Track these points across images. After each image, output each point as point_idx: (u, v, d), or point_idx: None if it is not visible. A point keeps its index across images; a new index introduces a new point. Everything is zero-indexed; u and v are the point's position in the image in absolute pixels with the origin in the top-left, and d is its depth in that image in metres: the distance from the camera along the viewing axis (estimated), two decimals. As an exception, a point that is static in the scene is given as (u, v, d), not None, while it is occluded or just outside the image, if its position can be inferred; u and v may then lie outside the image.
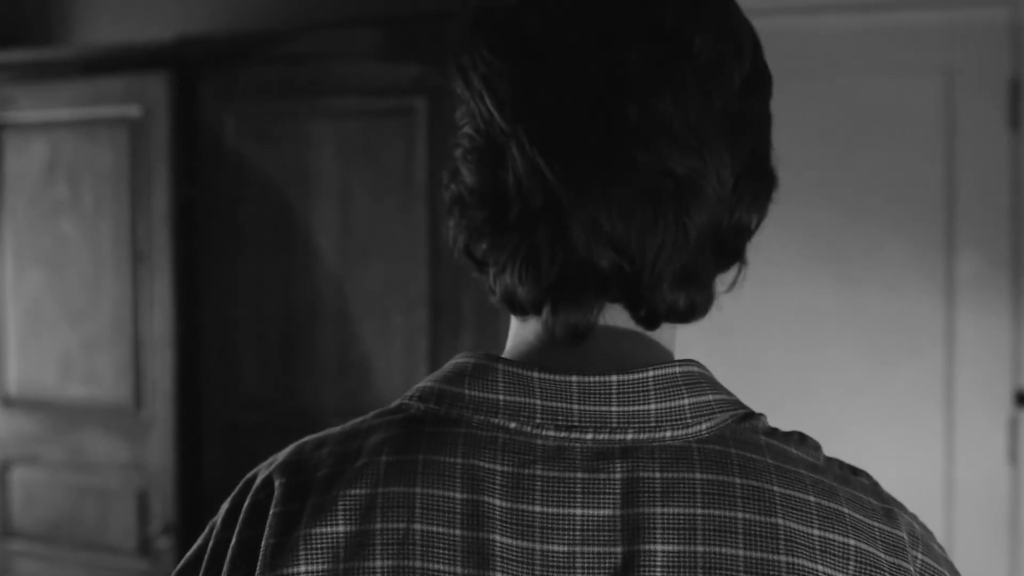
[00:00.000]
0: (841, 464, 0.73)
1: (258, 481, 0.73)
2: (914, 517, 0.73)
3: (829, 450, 0.73)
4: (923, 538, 0.71)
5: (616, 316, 0.73)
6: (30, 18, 3.16)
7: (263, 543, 0.69)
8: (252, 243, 2.43)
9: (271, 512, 0.70)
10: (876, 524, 0.69)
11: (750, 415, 0.72)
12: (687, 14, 0.71)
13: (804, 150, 2.74)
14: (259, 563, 0.69)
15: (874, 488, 0.72)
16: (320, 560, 0.68)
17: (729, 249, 0.74)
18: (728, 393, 0.74)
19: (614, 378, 0.70)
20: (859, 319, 2.73)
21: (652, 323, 0.73)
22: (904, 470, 2.63)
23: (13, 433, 2.71)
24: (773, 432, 0.72)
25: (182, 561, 0.75)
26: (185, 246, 2.47)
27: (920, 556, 0.69)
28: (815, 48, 2.73)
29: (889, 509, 0.70)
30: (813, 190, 2.74)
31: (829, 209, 2.74)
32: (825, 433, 2.67)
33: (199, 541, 0.75)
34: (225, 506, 0.74)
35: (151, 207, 2.46)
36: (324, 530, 0.68)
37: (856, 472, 0.73)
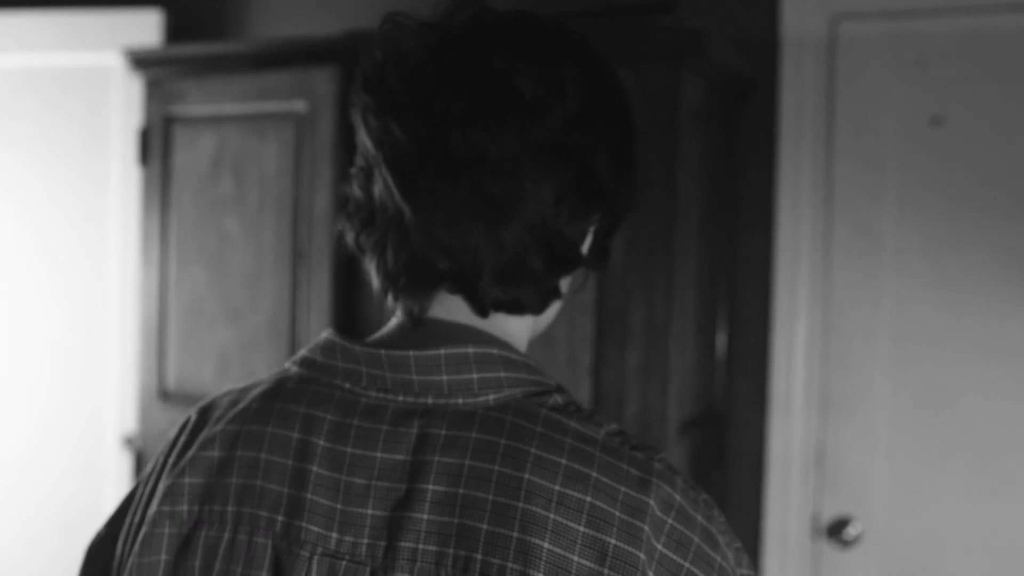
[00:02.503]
0: (623, 441, 0.85)
1: (184, 418, 0.97)
2: (686, 493, 0.84)
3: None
4: (681, 507, 0.83)
5: (457, 308, 0.91)
6: (206, 14, 3.17)
7: (168, 461, 0.94)
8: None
9: (180, 439, 0.95)
10: (622, 488, 0.81)
11: (544, 393, 0.87)
12: (515, 60, 0.86)
13: (1005, 160, 2.50)
14: (163, 476, 0.93)
15: (643, 463, 0.84)
16: (198, 475, 0.91)
17: (560, 256, 0.88)
18: (532, 374, 0.89)
19: (411, 353, 0.87)
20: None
21: (483, 312, 0.90)
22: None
23: (169, 427, 2.69)
24: (561, 408, 0.86)
25: (139, 477, 0.99)
26: (346, 246, 2.40)
27: (670, 521, 0.81)
28: (1026, 52, 2.49)
29: (645, 480, 0.82)
30: (1016, 205, 2.50)
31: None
32: (1016, 481, 2.36)
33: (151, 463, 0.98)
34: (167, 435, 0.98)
35: (313, 205, 2.40)
36: (205, 454, 0.92)
37: (636, 448, 0.85)
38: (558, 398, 0.88)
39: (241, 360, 2.52)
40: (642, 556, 0.80)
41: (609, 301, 2.16)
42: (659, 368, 2.12)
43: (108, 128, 3.10)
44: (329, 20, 2.97)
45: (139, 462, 2.82)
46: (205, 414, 0.96)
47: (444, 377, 0.86)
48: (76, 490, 3.15)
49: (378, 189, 0.89)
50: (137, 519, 0.94)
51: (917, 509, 2.55)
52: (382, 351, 0.88)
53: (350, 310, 2.40)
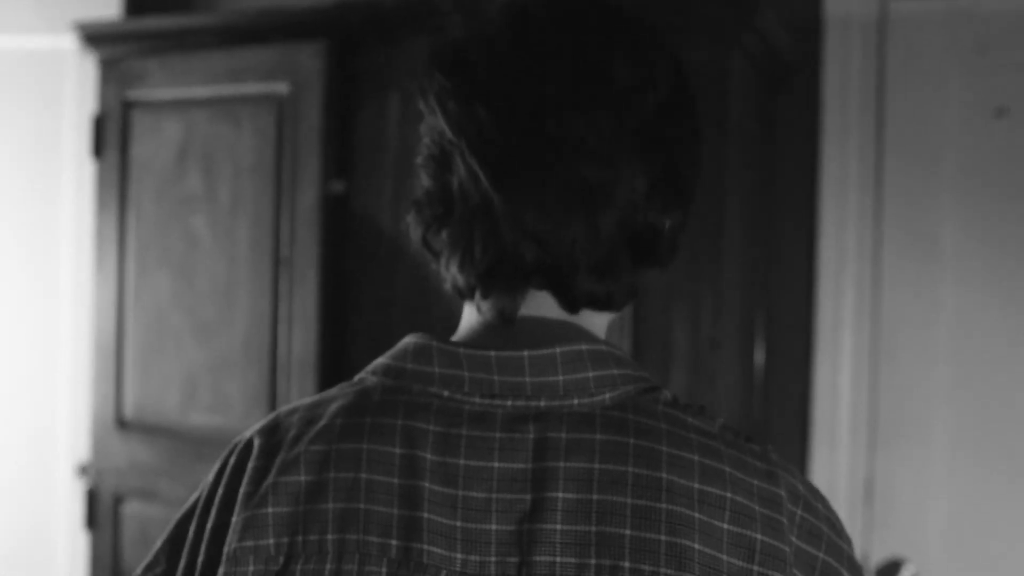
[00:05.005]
0: (736, 433, 0.86)
1: (242, 442, 0.90)
2: (804, 482, 0.85)
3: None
4: (805, 498, 0.84)
5: (544, 304, 0.89)
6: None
7: (240, 491, 0.87)
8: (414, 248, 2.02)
9: (249, 466, 0.88)
10: (755, 482, 0.82)
11: (654, 388, 0.87)
12: (607, 45, 0.86)
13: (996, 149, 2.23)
14: (236, 507, 0.86)
15: (762, 454, 0.85)
16: (284, 503, 0.85)
17: (646, 249, 0.88)
18: (637, 370, 0.88)
19: (525, 353, 0.85)
20: None
21: (573, 308, 0.88)
22: None
23: (128, 462, 2.38)
24: (673, 403, 0.86)
25: (180, 512, 0.92)
26: (335, 251, 2.08)
27: (799, 512, 0.83)
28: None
29: (772, 471, 0.83)
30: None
31: None
32: None
33: (194, 495, 0.91)
34: (216, 465, 0.90)
35: (296, 203, 2.08)
36: (289, 479, 0.86)
37: (750, 440, 0.86)
38: (667, 394, 0.87)
39: (212, 385, 2.20)
40: (787, 549, 0.81)
41: (648, 316, 1.85)
42: (707, 393, 1.82)
43: (61, 119, 2.79)
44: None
45: (92, 499, 2.49)
46: (273, 435, 0.89)
47: (560, 377, 0.84)
48: (23, 519, 2.93)
49: (458, 178, 0.86)
50: (202, 559, 0.88)
51: (979, 551, 2.35)
52: (491, 353, 0.85)
53: (341, 326, 2.08)
